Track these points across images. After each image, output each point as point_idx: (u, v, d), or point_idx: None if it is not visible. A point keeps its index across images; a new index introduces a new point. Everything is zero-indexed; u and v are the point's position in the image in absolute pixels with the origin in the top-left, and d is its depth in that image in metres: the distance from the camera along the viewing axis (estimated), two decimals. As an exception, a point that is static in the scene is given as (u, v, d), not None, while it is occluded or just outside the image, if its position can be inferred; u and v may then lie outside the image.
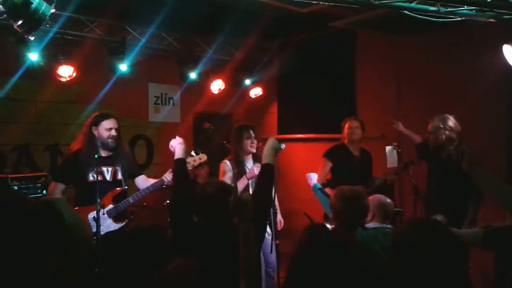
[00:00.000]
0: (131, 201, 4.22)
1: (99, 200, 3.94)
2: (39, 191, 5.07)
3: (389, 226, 3.35)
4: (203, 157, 4.19)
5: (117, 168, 4.38)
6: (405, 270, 2.01)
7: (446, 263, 1.96)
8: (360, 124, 5.42)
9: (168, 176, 4.26)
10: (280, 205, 4.97)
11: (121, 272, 2.14)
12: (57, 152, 6.50)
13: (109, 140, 4.29)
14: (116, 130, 4.33)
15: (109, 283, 2.18)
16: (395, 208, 5.33)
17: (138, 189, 4.45)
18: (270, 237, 4.73)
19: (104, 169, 4.30)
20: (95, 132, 4.28)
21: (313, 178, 4.32)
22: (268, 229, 4.78)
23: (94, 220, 4.08)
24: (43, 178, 5.18)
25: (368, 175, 5.38)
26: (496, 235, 2.68)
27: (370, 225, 3.29)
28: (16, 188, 4.87)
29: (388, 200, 3.50)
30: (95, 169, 4.15)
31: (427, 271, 1.96)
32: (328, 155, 5.38)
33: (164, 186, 4.34)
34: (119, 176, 4.38)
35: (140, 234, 2.28)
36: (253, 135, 4.63)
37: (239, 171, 4.60)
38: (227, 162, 4.71)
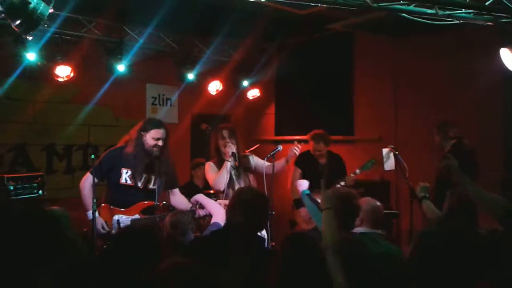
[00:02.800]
0: (157, 219, 4.18)
1: (95, 200, 3.98)
2: (35, 191, 5.06)
3: (379, 231, 3.23)
4: None
5: (152, 176, 4.38)
6: (428, 272, 1.95)
7: (470, 265, 1.93)
8: (324, 144, 5.54)
9: (202, 212, 4.27)
10: (278, 206, 4.99)
11: (115, 269, 2.13)
12: (54, 152, 6.48)
13: (154, 148, 4.31)
14: (163, 140, 4.35)
15: (103, 281, 2.17)
16: (391, 210, 5.35)
17: (169, 202, 4.56)
18: (265, 239, 4.74)
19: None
20: (143, 138, 4.31)
21: (303, 184, 4.29)
22: (263, 231, 4.81)
23: (117, 223, 4.14)
24: (39, 178, 5.18)
25: (337, 178, 5.39)
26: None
27: (359, 229, 3.18)
28: (12, 188, 4.87)
29: (378, 203, 3.38)
30: (128, 172, 4.24)
31: (450, 273, 1.92)
32: (297, 163, 5.60)
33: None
34: (151, 185, 4.38)
35: (133, 232, 2.27)
36: (226, 136, 4.76)
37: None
38: (211, 163, 4.89)
